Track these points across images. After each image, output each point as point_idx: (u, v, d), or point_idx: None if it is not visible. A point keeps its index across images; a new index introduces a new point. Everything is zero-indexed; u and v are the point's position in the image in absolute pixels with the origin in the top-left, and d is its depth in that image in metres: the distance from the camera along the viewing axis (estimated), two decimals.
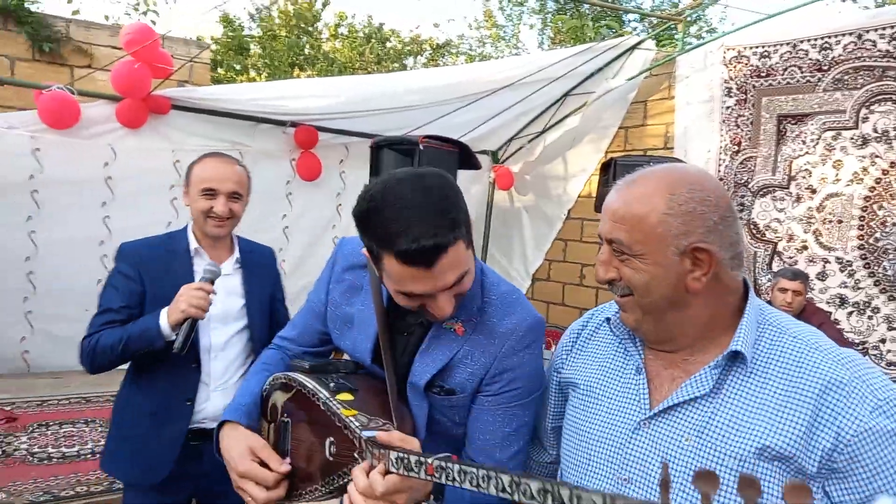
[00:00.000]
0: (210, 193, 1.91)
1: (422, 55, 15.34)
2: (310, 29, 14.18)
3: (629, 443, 1.02)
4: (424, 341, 1.21)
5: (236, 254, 2.06)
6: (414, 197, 1.03)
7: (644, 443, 1.00)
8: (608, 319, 1.15)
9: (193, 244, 1.98)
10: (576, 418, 1.14)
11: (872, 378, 0.92)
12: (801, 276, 3.60)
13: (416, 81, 4.67)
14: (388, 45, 14.85)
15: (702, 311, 1.01)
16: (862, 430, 0.87)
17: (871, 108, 3.66)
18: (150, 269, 1.89)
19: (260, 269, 2.10)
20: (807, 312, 3.56)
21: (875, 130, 3.65)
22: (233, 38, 13.28)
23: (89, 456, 3.44)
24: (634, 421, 1.02)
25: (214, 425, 1.70)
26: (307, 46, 13.98)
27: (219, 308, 1.93)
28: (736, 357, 0.97)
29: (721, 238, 0.97)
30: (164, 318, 1.75)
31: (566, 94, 5.10)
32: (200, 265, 1.94)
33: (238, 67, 13.53)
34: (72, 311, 3.98)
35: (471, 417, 1.21)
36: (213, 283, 1.82)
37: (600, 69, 4.87)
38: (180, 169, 4.13)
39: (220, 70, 12.93)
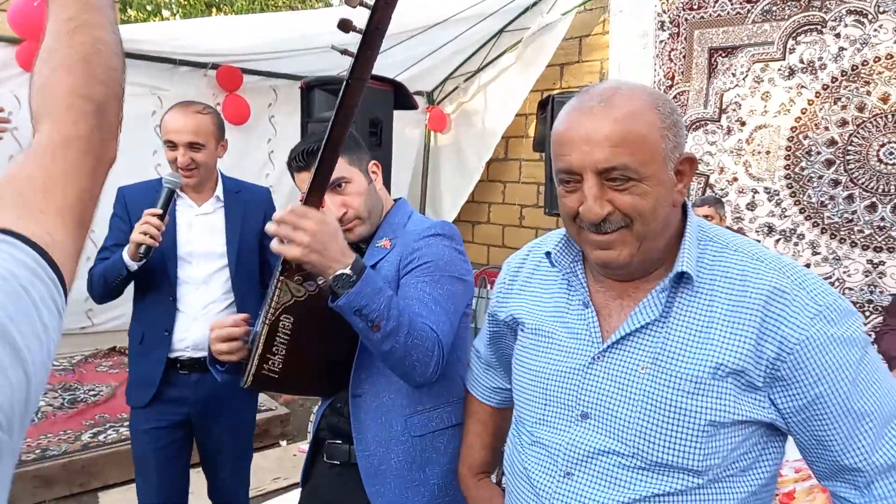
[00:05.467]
0: (172, 145, 2.03)
1: None
2: None
3: (585, 378, 1.00)
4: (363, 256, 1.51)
5: (217, 192, 2.16)
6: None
7: (600, 377, 0.99)
8: (548, 254, 1.09)
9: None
10: (527, 358, 1.11)
11: (812, 284, 0.91)
12: (709, 201, 3.67)
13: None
14: None
15: (671, 230, 0.98)
16: (804, 337, 0.87)
17: (798, 38, 3.74)
18: (137, 210, 1.97)
19: (247, 206, 2.19)
20: None
21: (801, 61, 3.73)
22: None
23: (35, 420, 3.29)
24: (588, 356, 1.00)
25: (203, 354, 1.98)
26: None
27: (200, 245, 2.10)
28: (681, 277, 0.95)
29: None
30: (126, 250, 1.92)
31: (501, 31, 4.99)
32: (183, 207, 2.10)
33: (149, 8, 12.61)
34: None
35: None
36: (171, 198, 1.95)
37: (535, 3, 4.77)
38: None
39: (130, 11, 12.02)
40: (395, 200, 1.62)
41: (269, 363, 1.32)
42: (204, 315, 2.08)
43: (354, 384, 1.45)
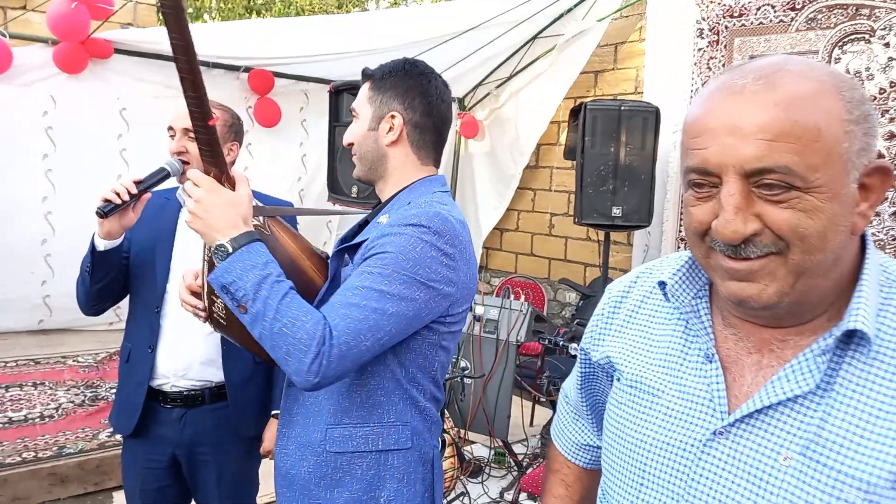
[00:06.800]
0: (172, 133, 1.85)
1: None
2: None
3: (700, 460, 0.75)
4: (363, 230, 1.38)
5: None
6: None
7: (721, 461, 0.73)
8: (662, 284, 0.83)
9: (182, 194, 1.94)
10: (621, 418, 0.85)
11: None
12: None
13: (378, 24, 4.45)
14: None
15: (844, 267, 0.71)
16: None
17: (844, 48, 3.59)
18: (141, 216, 1.76)
19: None
20: None
21: (847, 71, 3.58)
22: None
23: (38, 420, 3.30)
24: (707, 429, 0.75)
25: (190, 384, 1.85)
26: None
27: (195, 253, 1.88)
28: (851, 337, 0.69)
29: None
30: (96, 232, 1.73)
31: (535, 37, 4.92)
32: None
33: (190, 11, 12.85)
34: (14, 274, 3.78)
35: None
36: (161, 178, 1.70)
37: (570, 10, 4.69)
38: (127, 117, 3.88)
39: None
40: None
41: (215, 305, 1.27)
42: (193, 338, 1.85)
43: None
